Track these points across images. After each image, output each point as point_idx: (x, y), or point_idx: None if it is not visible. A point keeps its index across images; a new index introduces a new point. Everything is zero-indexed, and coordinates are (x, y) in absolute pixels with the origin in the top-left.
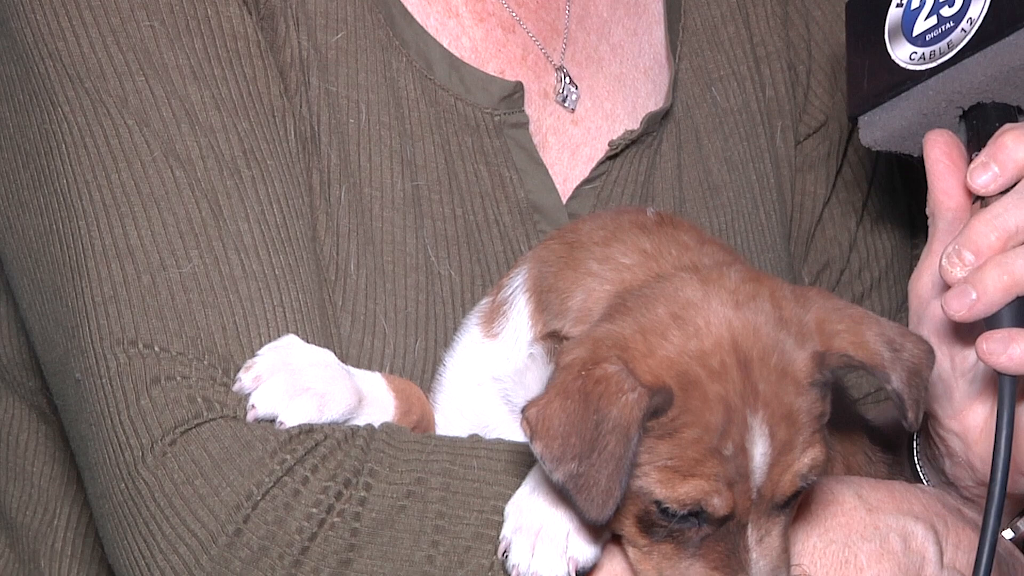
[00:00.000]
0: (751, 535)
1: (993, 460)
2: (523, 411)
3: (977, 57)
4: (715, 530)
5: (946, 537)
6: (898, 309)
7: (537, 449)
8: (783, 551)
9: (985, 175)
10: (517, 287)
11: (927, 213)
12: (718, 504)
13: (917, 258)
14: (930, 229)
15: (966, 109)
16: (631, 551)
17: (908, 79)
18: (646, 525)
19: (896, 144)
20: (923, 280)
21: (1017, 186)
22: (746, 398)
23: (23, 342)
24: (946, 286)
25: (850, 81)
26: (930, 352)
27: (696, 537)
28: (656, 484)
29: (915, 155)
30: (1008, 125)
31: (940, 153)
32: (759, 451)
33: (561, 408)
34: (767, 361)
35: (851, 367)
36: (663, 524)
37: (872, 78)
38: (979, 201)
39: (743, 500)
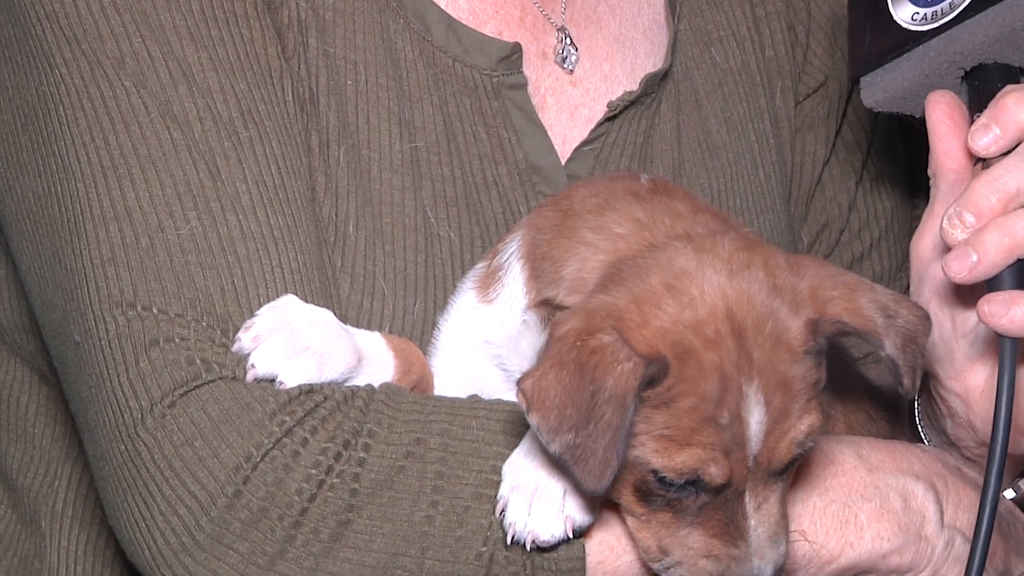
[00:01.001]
0: (749, 503)
1: (994, 421)
2: (519, 383)
3: (979, 18)
4: (713, 498)
5: (946, 496)
6: (898, 269)
7: (534, 421)
8: (781, 517)
9: (986, 137)
10: (512, 253)
11: (928, 174)
12: (715, 473)
13: (917, 218)
14: (932, 190)
15: (968, 70)
16: (629, 520)
17: (910, 40)
18: (644, 494)
19: (898, 105)
20: (924, 241)
21: (1018, 148)
22: (741, 367)
23: (23, 305)
24: (947, 248)
25: (851, 42)
26: (926, 318)
27: (694, 506)
28: (653, 454)
29: (917, 116)
30: (1010, 87)
31: (942, 114)
32: (755, 419)
33: (557, 379)
34: (761, 329)
35: (845, 334)
36: (661, 493)
37: (874, 39)
38: (981, 163)
39: (740, 468)
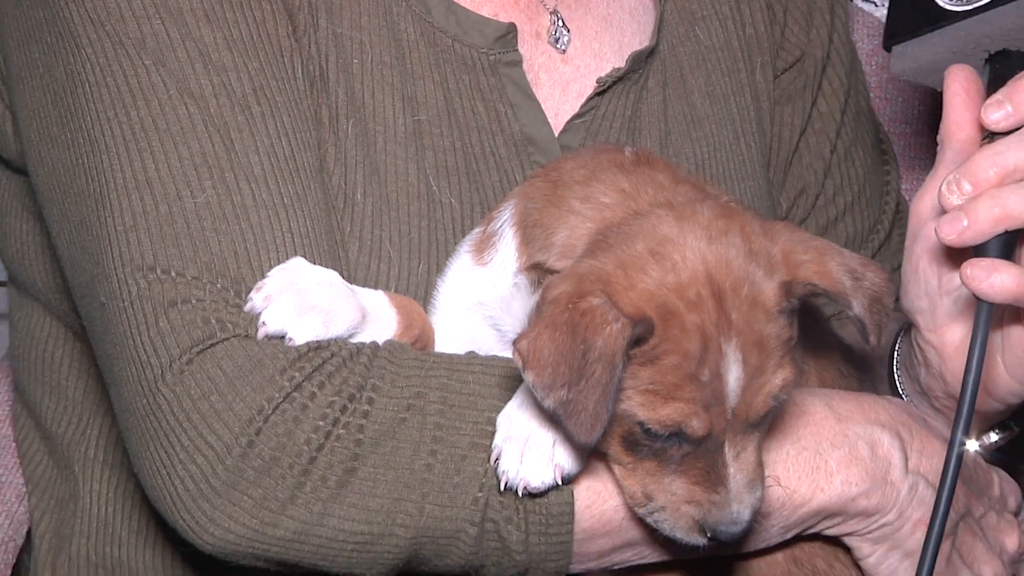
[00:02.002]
0: (728, 452)
1: (964, 379)
2: (515, 343)
3: (1011, 6)
4: (694, 448)
5: (911, 444)
6: (870, 231)
7: (529, 378)
8: (757, 465)
9: (999, 112)
10: (505, 221)
11: (938, 140)
12: (696, 425)
13: (888, 184)
14: (938, 155)
15: (992, 53)
16: (616, 468)
17: (944, 18)
18: (631, 445)
19: (922, 76)
20: (924, 201)
21: (1022, 129)
22: (721, 327)
23: (57, 267)
24: (943, 211)
25: (891, 13)
26: (889, 281)
27: (677, 455)
28: (639, 407)
29: (938, 88)
30: None
31: (959, 87)
32: (733, 376)
33: (550, 339)
34: (739, 292)
35: (816, 295)
36: (646, 444)
37: (912, 13)
38: (988, 138)
39: (719, 421)
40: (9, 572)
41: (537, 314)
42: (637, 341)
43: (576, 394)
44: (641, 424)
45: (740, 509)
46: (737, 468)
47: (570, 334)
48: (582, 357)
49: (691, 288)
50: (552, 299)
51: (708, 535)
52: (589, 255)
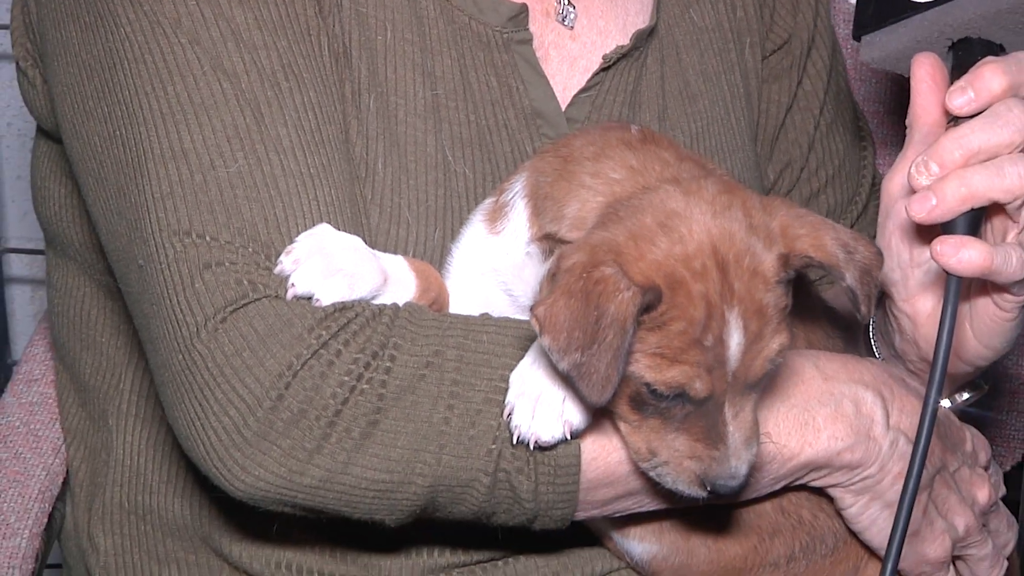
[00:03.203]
0: (728, 412)
1: (936, 347)
2: (532, 310)
3: None
4: (696, 408)
5: (892, 402)
6: (848, 202)
7: (545, 342)
8: (754, 424)
9: (961, 98)
10: (516, 192)
11: (906, 124)
12: (699, 387)
13: (864, 159)
14: (907, 138)
15: (955, 41)
16: (622, 426)
17: (910, 9)
18: (637, 404)
19: (891, 64)
20: (894, 181)
21: (985, 112)
22: (724, 296)
23: (92, 229)
24: (912, 190)
25: (859, 4)
26: (879, 255)
27: (680, 414)
28: (647, 369)
29: (906, 75)
30: (989, 58)
31: (925, 73)
32: (735, 341)
33: (566, 306)
34: (741, 263)
35: (811, 267)
36: (652, 403)
37: (879, 4)
38: (952, 121)
39: (720, 383)
40: (45, 519)
41: (552, 282)
42: (646, 308)
43: (589, 357)
44: (648, 385)
45: (738, 464)
46: (736, 427)
47: (584, 301)
48: (595, 323)
49: (697, 259)
50: (567, 268)
51: (708, 488)
52: (601, 227)
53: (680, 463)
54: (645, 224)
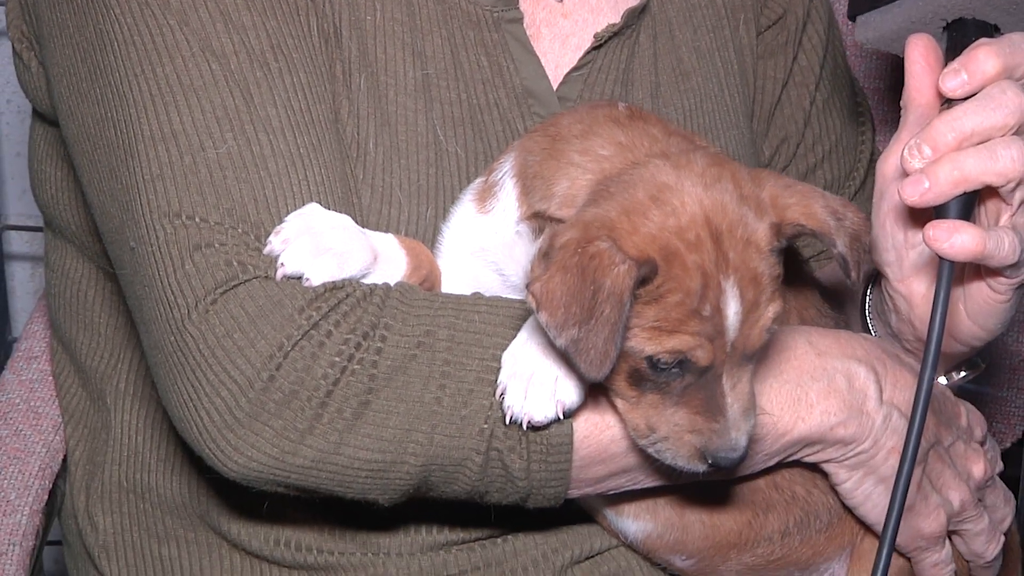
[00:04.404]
0: (726, 383)
1: (928, 330)
2: (527, 287)
3: None
4: (695, 380)
5: (885, 377)
6: (846, 178)
7: (543, 319)
8: (752, 395)
9: (955, 80)
10: (505, 172)
11: (901, 105)
12: (701, 355)
13: (862, 134)
14: (901, 119)
15: (949, 21)
16: (620, 403)
17: None
18: (636, 380)
19: (886, 44)
20: (889, 163)
21: (979, 94)
22: (719, 265)
23: (88, 211)
24: (905, 173)
25: None
26: (867, 221)
27: (678, 387)
28: (646, 342)
29: (901, 56)
30: (983, 40)
31: (919, 55)
32: (732, 310)
33: (562, 281)
34: (734, 233)
35: (803, 235)
36: (652, 378)
37: None
38: (946, 103)
39: (720, 353)
40: (46, 496)
41: (545, 260)
42: (642, 281)
43: (586, 332)
44: (649, 358)
45: (738, 436)
46: (734, 398)
47: (580, 276)
48: (592, 297)
49: (691, 230)
50: (561, 245)
51: (709, 462)
52: (593, 204)
53: (680, 437)
54: (637, 198)
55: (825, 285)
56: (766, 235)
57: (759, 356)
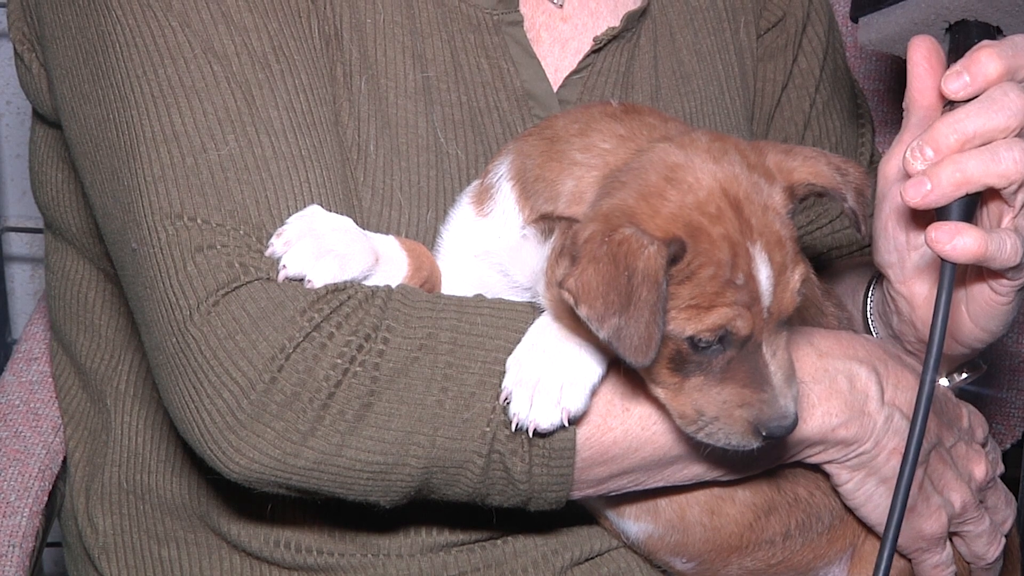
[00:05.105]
0: (766, 352)
1: (931, 332)
2: (561, 284)
3: None
4: (736, 354)
5: (886, 378)
6: None
7: (583, 312)
8: (791, 362)
9: (957, 82)
10: (501, 175)
11: (903, 107)
12: (741, 325)
13: (862, 135)
14: (903, 121)
15: (952, 23)
16: (662, 392)
17: None
18: (678, 364)
19: (888, 46)
20: (891, 164)
21: (981, 96)
22: (745, 233)
23: (89, 213)
24: (907, 175)
25: None
26: (867, 174)
27: (720, 364)
28: (686, 323)
29: (903, 57)
30: (986, 42)
31: (921, 56)
32: (764, 275)
33: (595, 272)
34: (752, 200)
35: (815, 193)
36: (694, 359)
37: None
38: (948, 105)
39: (759, 320)
40: (46, 498)
41: (569, 258)
42: (673, 260)
43: (627, 319)
44: (691, 338)
45: (787, 403)
46: (776, 366)
47: (612, 263)
48: (627, 282)
49: (710, 203)
50: (586, 239)
51: (763, 434)
52: (607, 196)
53: (731, 414)
54: (651, 182)
55: (826, 287)
56: (781, 198)
57: (792, 320)
